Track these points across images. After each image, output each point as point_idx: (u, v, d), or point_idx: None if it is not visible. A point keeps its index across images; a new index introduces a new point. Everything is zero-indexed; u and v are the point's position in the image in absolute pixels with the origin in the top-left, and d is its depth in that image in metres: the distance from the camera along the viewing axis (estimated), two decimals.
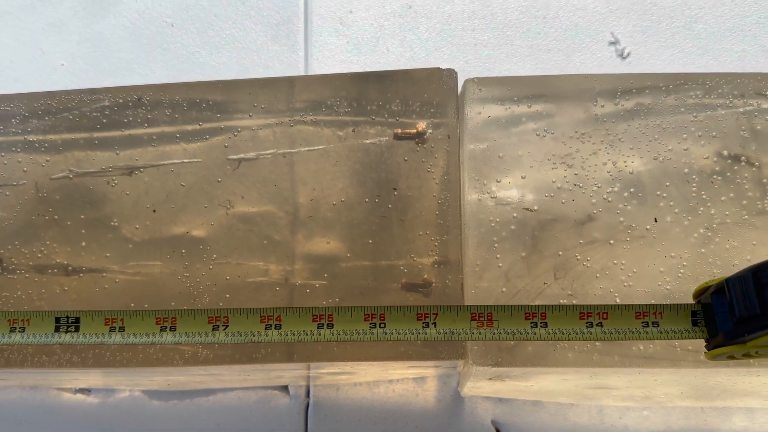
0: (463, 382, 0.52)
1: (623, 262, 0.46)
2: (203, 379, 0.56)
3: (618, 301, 0.46)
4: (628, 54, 0.65)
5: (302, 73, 0.66)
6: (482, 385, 0.51)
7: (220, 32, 0.69)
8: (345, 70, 0.64)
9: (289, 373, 0.56)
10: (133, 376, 0.56)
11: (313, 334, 0.42)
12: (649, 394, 0.53)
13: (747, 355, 0.39)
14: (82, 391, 0.62)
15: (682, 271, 0.46)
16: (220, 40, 0.68)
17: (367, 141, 0.51)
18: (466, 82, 0.50)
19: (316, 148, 0.51)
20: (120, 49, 0.70)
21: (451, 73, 0.50)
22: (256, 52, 0.67)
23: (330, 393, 0.58)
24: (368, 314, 0.43)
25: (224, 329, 0.43)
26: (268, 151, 0.51)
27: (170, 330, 0.43)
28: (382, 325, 0.42)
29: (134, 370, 0.48)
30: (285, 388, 0.60)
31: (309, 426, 0.58)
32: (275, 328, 0.43)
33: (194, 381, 0.57)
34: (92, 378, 0.59)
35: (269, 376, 0.56)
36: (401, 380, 0.58)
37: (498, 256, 0.47)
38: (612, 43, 0.66)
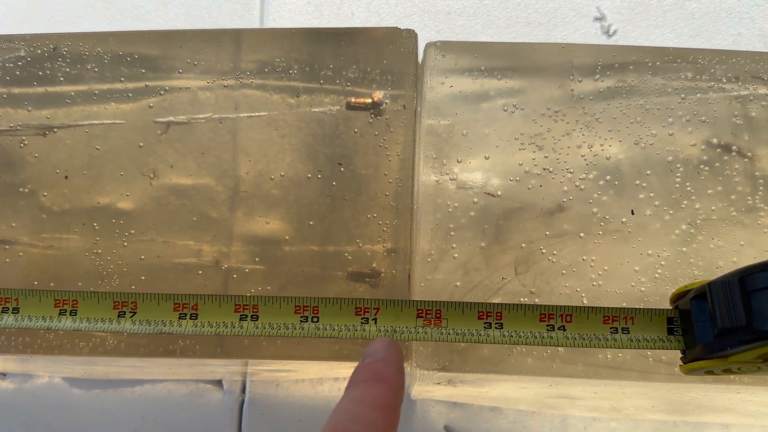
0: (411, 384, 0.47)
1: (593, 258, 0.41)
2: (124, 370, 0.50)
3: (585, 302, 0.40)
4: (615, 31, 0.60)
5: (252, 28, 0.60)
6: (432, 389, 0.46)
7: None
8: None
9: (223, 367, 0.50)
10: (49, 362, 0.50)
11: (234, 327, 0.37)
12: (617, 406, 0.48)
13: (727, 371, 0.34)
14: None
15: (659, 271, 0.41)
16: None
17: (317, 110, 0.45)
18: (428, 46, 0.44)
19: (259, 114, 0.45)
20: None
21: (411, 35, 0.44)
22: (206, 8, 0.61)
23: (268, 389, 0.53)
24: (300, 306, 0.37)
25: (131, 316, 0.37)
26: (201, 115, 0.45)
27: (70, 314, 0.37)
28: (315, 320, 0.37)
29: (32, 357, 0.42)
30: (219, 383, 0.54)
31: (243, 424, 0.53)
32: (190, 318, 0.37)
33: (116, 371, 0.51)
34: (9, 362, 0.53)
35: (200, 370, 0.51)
36: (348, 378, 0.53)
37: (454, 245, 0.42)
38: (597, 19, 0.60)
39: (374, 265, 0.43)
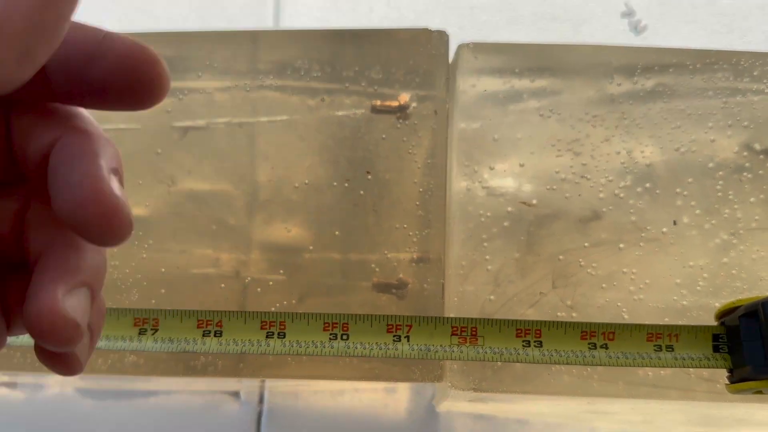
0: (439, 399, 0.45)
1: (634, 270, 0.39)
2: (138, 380, 0.48)
3: (626, 316, 0.39)
4: (644, 28, 0.58)
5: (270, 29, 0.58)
6: (461, 404, 0.45)
7: None
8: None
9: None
10: None
11: (261, 345, 0.35)
12: (649, 419, 0.47)
13: None
14: (6, 384, 0.54)
15: (701, 283, 0.39)
16: None
17: (339, 113, 0.43)
18: (460, 47, 0.42)
19: (279, 118, 0.43)
20: None
21: (442, 36, 0.42)
22: (218, 2, 0.58)
23: (287, 400, 0.51)
24: (328, 323, 0.35)
25: (153, 334, 0.35)
26: (220, 120, 0.43)
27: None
28: (345, 337, 0.35)
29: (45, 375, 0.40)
30: (236, 393, 0.52)
31: None
32: (215, 336, 0.35)
33: (130, 381, 0.49)
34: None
35: (217, 380, 0.49)
36: (369, 389, 0.51)
37: (487, 257, 0.40)
38: (626, 15, 0.58)
39: (401, 275, 0.42)
